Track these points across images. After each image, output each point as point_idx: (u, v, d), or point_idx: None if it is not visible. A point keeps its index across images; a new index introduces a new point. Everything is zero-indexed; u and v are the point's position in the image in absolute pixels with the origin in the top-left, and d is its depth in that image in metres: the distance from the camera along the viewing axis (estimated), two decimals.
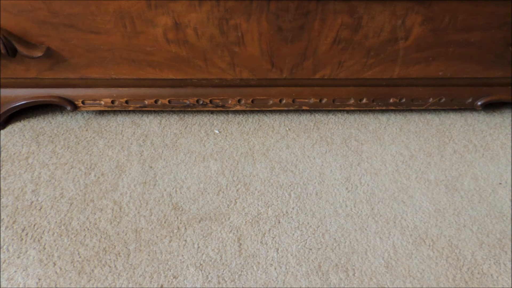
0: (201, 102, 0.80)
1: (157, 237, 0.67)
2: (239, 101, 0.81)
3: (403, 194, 0.74)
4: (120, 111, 0.86)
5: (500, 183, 0.77)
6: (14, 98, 0.77)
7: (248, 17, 0.64)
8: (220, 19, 0.64)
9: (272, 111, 0.88)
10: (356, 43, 0.69)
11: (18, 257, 0.64)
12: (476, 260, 0.66)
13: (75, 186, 0.73)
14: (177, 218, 0.69)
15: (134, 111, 0.86)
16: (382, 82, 0.79)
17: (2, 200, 0.70)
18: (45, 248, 0.65)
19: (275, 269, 0.64)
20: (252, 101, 0.81)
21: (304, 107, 0.83)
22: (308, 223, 0.70)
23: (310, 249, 0.67)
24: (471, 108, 0.88)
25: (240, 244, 0.67)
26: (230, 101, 0.81)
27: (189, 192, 0.73)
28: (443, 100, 0.83)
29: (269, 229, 0.69)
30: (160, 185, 0.74)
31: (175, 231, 0.68)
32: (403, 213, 0.72)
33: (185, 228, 0.68)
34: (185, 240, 0.67)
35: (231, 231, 0.68)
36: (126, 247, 0.66)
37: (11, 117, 0.82)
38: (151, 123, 0.84)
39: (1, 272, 0.62)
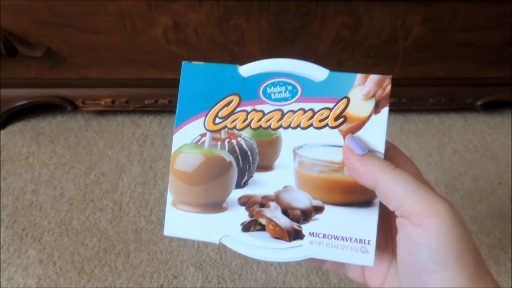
0: None
1: (157, 237, 0.67)
2: None
3: None
4: (120, 111, 0.86)
5: (500, 183, 0.77)
6: (14, 98, 0.77)
7: (248, 17, 0.64)
8: (220, 19, 0.64)
9: None
10: (356, 43, 0.69)
11: (18, 257, 0.64)
12: None
13: (75, 186, 0.73)
14: None
15: (134, 111, 0.86)
16: None
17: (2, 200, 0.70)
18: (45, 248, 0.65)
19: (275, 269, 0.64)
20: None
21: None
22: None
23: None
24: (471, 108, 0.88)
25: None
26: None
27: None
28: (443, 100, 0.83)
29: None
30: (160, 185, 0.74)
31: None
32: None
33: None
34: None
35: None
36: (126, 247, 0.66)
37: (11, 117, 0.82)
38: (151, 123, 0.84)
39: (1, 272, 0.62)
